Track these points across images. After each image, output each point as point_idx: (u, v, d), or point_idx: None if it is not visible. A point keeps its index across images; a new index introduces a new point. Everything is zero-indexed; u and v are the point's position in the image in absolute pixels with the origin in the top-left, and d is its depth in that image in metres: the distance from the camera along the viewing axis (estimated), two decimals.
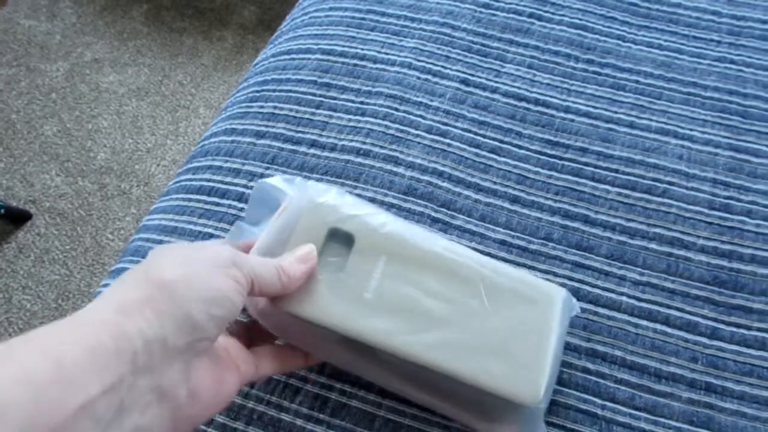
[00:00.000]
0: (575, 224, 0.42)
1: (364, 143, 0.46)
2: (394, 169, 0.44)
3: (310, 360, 0.34)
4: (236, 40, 1.49)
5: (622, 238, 0.42)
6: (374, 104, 0.48)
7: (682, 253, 0.41)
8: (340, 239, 0.32)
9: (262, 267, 0.28)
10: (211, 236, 0.42)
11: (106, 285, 0.43)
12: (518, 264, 0.41)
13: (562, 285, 0.40)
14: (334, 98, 0.49)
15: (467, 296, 0.32)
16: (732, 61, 0.52)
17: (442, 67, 0.50)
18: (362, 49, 0.52)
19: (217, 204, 0.43)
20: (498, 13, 0.54)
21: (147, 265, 0.24)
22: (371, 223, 0.33)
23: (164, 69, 1.45)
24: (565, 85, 0.50)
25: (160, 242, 0.43)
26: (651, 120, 0.48)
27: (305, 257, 0.31)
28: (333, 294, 0.31)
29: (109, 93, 1.41)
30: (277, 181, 0.36)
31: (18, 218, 1.17)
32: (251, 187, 0.44)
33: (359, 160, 0.45)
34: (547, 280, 0.40)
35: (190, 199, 0.45)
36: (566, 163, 0.45)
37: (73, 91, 1.41)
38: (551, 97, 0.49)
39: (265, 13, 1.54)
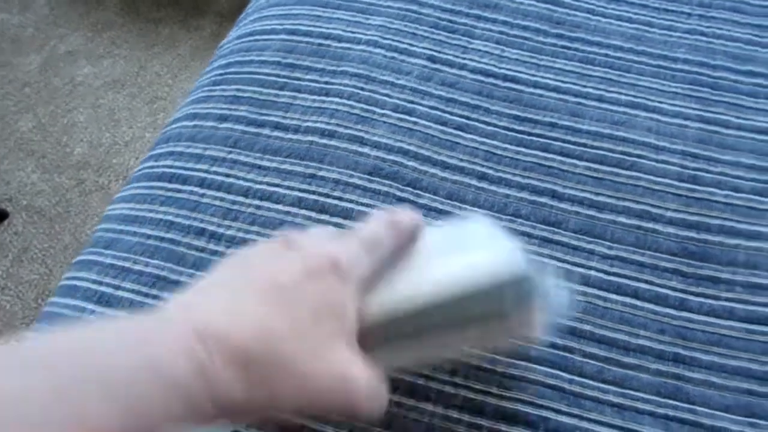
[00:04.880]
0: (543, 199, 0.42)
1: (328, 124, 0.45)
2: (359, 149, 0.43)
3: None
4: (213, 28, 1.47)
5: (591, 212, 0.41)
6: (339, 84, 0.47)
7: (650, 225, 0.41)
8: None
9: None
10: (171, 224, 0.41)
11: (72, 277, 0.42)
12: None
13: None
14: (299, 79, 0.48)
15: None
16: (702, 33, 0.51)
17: (409, 44, 0.49)
18: (327, 29, 0.51)
19: (179, 190, 0.43)
20: None
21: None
22: None
23: (140, 60, 1.42)
24: (534, 60, 0.49)
25: (121, 232, 0.42)
26: (620, 93, 0.47)
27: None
28: None
29: (84, 86, 1.38)
30: None
31: None
32: (213, 172, 0.43)
33: (324, 141, 0.44)
34: None
35: (151, 187, 0.44)
36: (534, 138, 0.45)
37: (47, 84, 1.38)
38: (520, 72, 0.48)
39: (243, 1, 1.52)
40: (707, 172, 0.43)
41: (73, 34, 1.47)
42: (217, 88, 0.48)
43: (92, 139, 1.30)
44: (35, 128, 1.31)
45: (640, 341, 0.37)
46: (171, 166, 0.44)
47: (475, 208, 0.41)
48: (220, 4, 1.52)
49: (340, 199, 0.41)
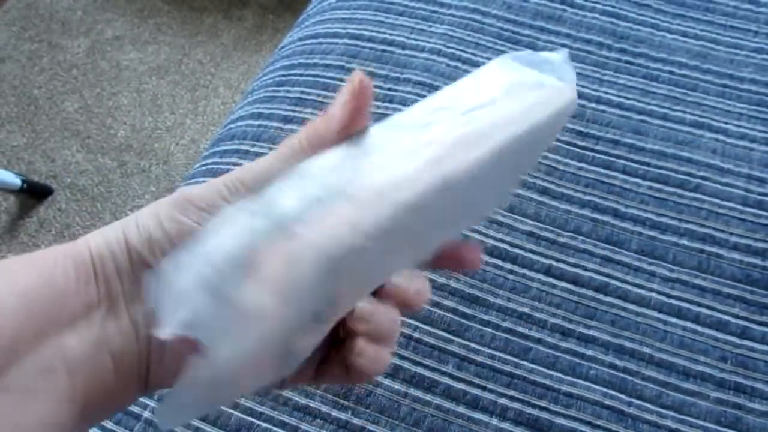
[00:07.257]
0: (605, 218, 0.42)
1: None
2: None
3: None
4: (256, 20, 1.48)
5: (653, 233, 0.41)
6: (402, 91, 0.47)
7: (714, 250, 0.41)
8: None
9: None
10: None
11: None
12: (547, 257, 0.40)
13: (590, 279, 0.40)
14: None
15: None
16: None
17: (472, 54, 0.49)
18: (390, 35, 0.51)
19: None
20: None
21: None
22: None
23: (184, 48, 1.44)
24: (597, 75, 0.49)
25: None
26: (685, 112, 0.47)
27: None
28: None
29: (129, 70, 1.41)
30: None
31: (39, 193, 1.18)
32: None
33: None
34: (576, 274, 0.40)
35: None
36: (597, 155, 0.45)
37: (94, 67, 1.41)
38: (583, 87, 0.48)
39: None
40: None
41: (120, 19, 1.50)
42: (281, 89, 0.49)
43: (135, 122, 1.33)
44: (81, 109, 1.34)
45: (700, 367, 0.37)
46: (236, 164, 0.45)
47: (537, 223, 0.42)
48: None
49: None
